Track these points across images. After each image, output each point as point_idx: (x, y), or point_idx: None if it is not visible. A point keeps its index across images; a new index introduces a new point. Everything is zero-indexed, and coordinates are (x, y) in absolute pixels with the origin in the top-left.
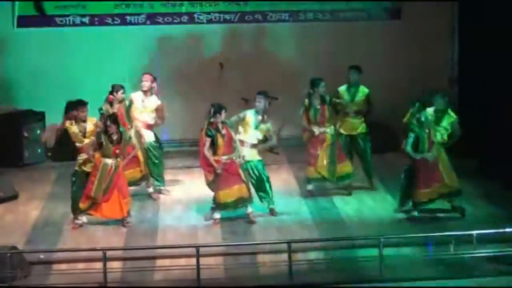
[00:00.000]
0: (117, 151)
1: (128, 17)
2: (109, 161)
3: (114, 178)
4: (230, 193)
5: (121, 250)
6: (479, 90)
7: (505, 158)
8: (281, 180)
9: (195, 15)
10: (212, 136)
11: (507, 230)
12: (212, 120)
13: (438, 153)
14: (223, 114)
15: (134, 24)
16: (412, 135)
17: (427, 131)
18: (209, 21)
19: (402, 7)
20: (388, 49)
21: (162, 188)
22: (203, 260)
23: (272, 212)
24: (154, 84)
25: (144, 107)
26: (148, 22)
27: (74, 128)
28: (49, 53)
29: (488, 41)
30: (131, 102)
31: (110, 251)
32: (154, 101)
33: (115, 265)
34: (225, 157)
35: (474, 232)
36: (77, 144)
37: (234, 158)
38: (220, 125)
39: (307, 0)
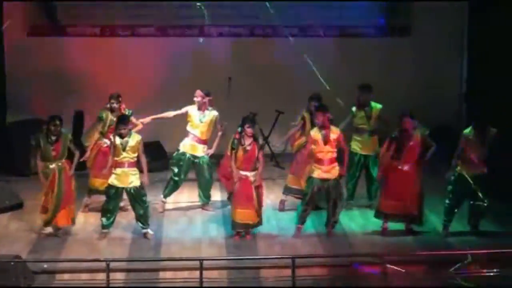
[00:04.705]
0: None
1: (138, 29)
2: (52, 165)
3: (64, 183)
4: (243, 214)
5: (125, 262)
6: (488, 107)
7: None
8: None
9: (205, 28)
10: (233, 148)
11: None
12: (239, 130)
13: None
14: (247, 127)
15: (145, 35)
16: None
17: (410, 143)
18: (219, 35)
19: (411, 24)
20: (398, 66)
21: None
22: (206, 274)
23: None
24: (206, 100)
25: (200, 122)
26: (158, 34)
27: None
28: (60, 62)
29: (498, 58)
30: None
31: (113, 262)
32: (209, 115)
33: (118, 276)
34: (242, 172)
35: (480, 251)
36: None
37: (251, 177)
38: (244, 139)
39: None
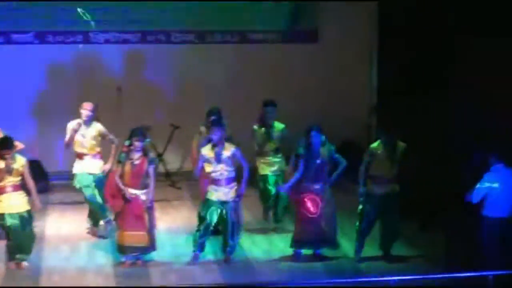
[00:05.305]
0: None
1: (14, 35)
2: None
3: None
4: (133, 236)
5: None
6: (399, 119)
7: (422, 195)
8: (183, 217)
9: (91, 34)
10: (120, 161)
11: (427, 276)
12: (126, 143)
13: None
14: (135, 141)
15: (21, 43)
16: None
17: (318, 161)
18: (107, 41)
19: (318, 29)
20: (304, 74)
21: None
22: None
23: None
24: (95, 113)
25: (83, 137)
26: (36, 41)
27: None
28: None
29: (410, 66)
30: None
31: None
32: (94, 128)
33: None
34: (130, 190)
35: (391, 278)
36: None
37: (141, 195)
38: (133, 153)
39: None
